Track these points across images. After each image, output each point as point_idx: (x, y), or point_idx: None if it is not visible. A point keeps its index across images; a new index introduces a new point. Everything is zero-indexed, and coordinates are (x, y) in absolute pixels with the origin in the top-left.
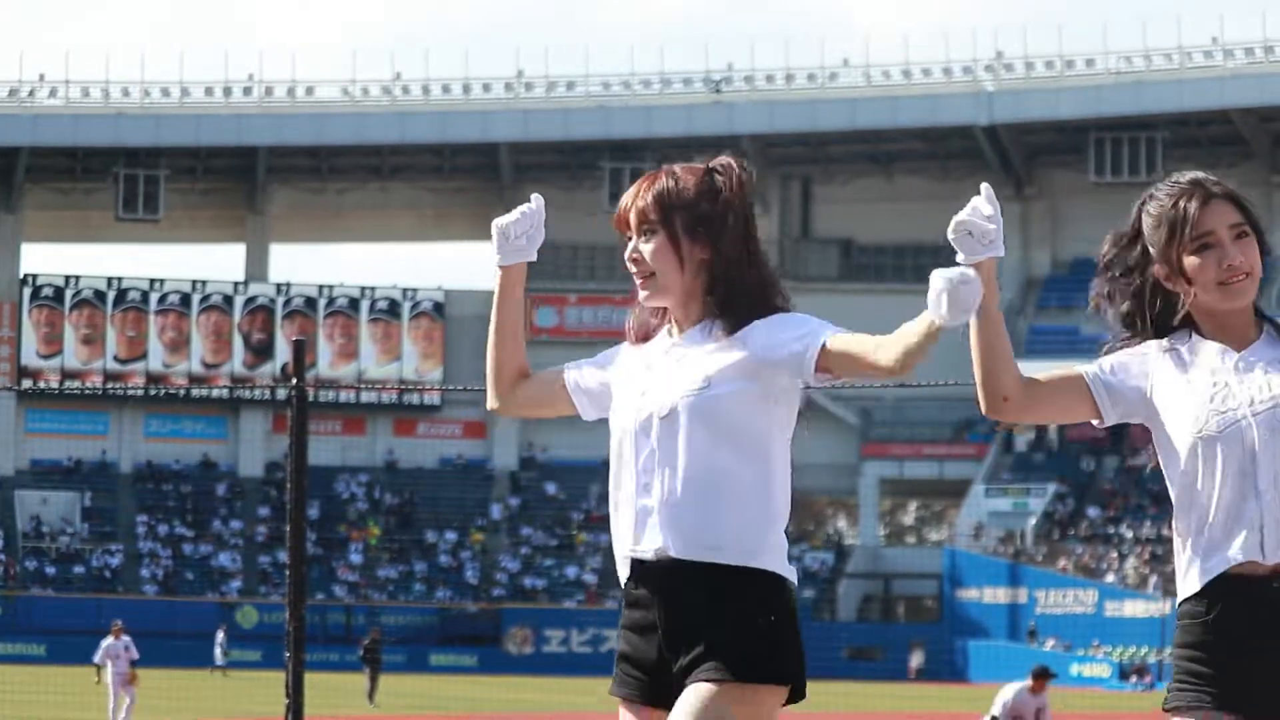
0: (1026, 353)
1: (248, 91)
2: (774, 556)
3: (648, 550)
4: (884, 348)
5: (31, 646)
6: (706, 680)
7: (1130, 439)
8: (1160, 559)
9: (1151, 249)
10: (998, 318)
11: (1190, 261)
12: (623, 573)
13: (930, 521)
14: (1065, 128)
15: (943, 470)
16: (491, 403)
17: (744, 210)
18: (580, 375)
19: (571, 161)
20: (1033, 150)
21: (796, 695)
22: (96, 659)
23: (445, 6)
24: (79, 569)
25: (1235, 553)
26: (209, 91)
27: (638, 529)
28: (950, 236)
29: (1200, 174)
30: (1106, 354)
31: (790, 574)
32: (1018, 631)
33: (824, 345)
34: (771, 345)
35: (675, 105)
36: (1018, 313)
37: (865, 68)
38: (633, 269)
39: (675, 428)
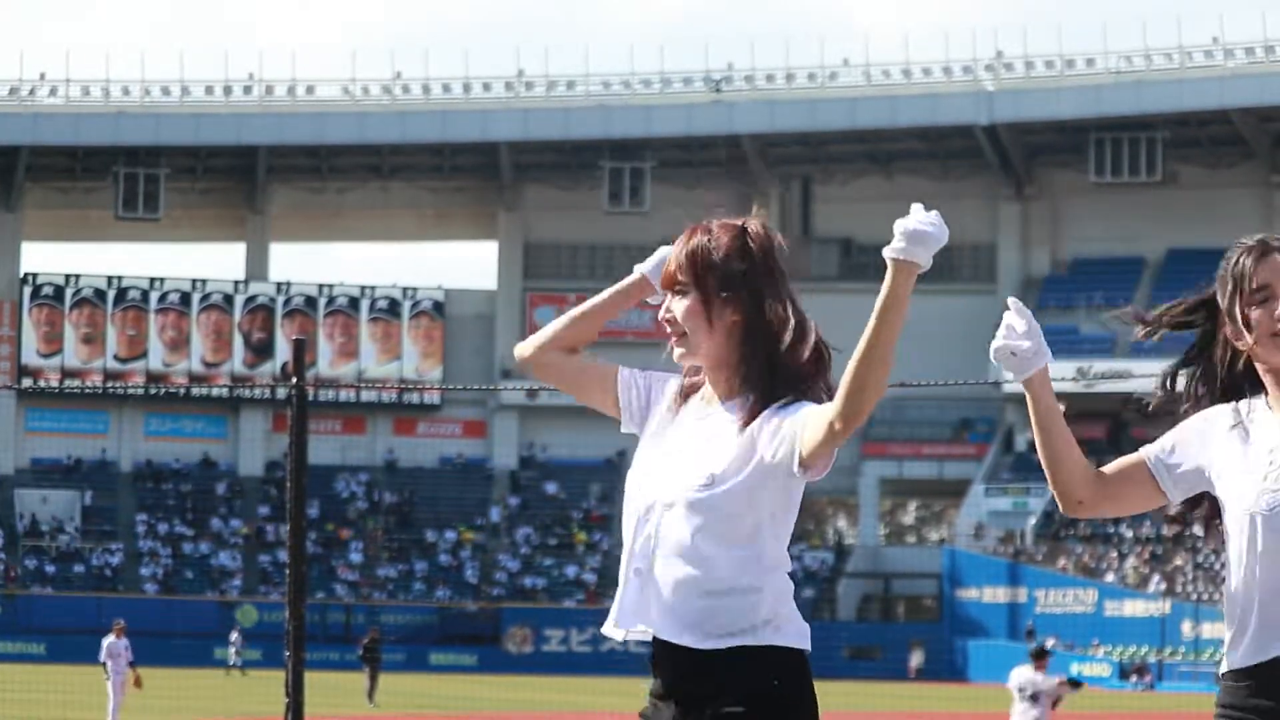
0: None
1: (248, 91)
2: (777, 630)
3: (637, 632)
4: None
5: (31, 645)
6: None
7: (1131, 439)
8: (1160, 559)
9: (1222, 308)
10: (1061, 424)
11: (1253, 315)
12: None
13: (930, 521)
14: (1065, 127)
15: (942, 470)
16: (522, 350)
17: (777, 273)
18: (633, 390)
19: (571, 161)
20: (1033, 150)
21: None
22: (101, 657)
23: (445, 6)
24: (79, 568)
25: None
26: (209, 91)
27: (624, 607)
28: (995, 362)
29: (1266, 235)
30: (1174, 426)
31: (800, 640)
32: (1018, 631)
33: (800, 453)
34: (772, 448)
35: (675, 105)
36: None
37: (865, 67)
38: (667, 329)
39: (675, 519)
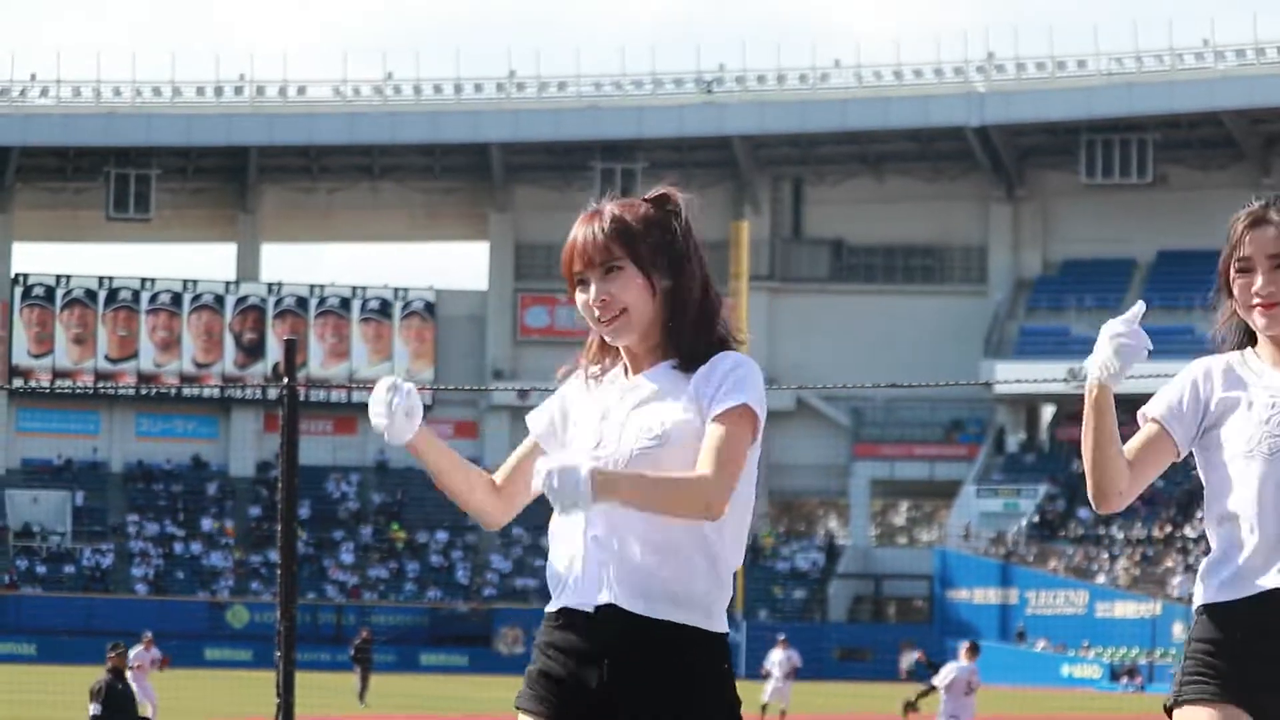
0: (1016, 354)
1: (239, 91)
2: (721, 615)
3: (591, 604)
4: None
5: (22, 646)
6: None
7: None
8: (1151, 560)
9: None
10: (1115, 423)
11: (1234, 281)
12: (553, 605)
13: (921, 522)
14: (1056, 129)
15: (933, 471)
16: (491, 523)
17: (697, 238)
18: (540, 427)
19: (562, 162)
20: (1024, 151)
21: None
22: (131, 663)
23: (436, 7)
24: (69, 568)
25: (1272, 579)
26: (200, 91)
27: (584, 580)
28: (1112, 343)
29: (1270, 199)
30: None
31: (726, 626)
32: (1009, 632)
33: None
34: (703, 397)
35: (666, 106)
36: (1008, 314)
37: (856, 68)
38: (599, 312)
39: None
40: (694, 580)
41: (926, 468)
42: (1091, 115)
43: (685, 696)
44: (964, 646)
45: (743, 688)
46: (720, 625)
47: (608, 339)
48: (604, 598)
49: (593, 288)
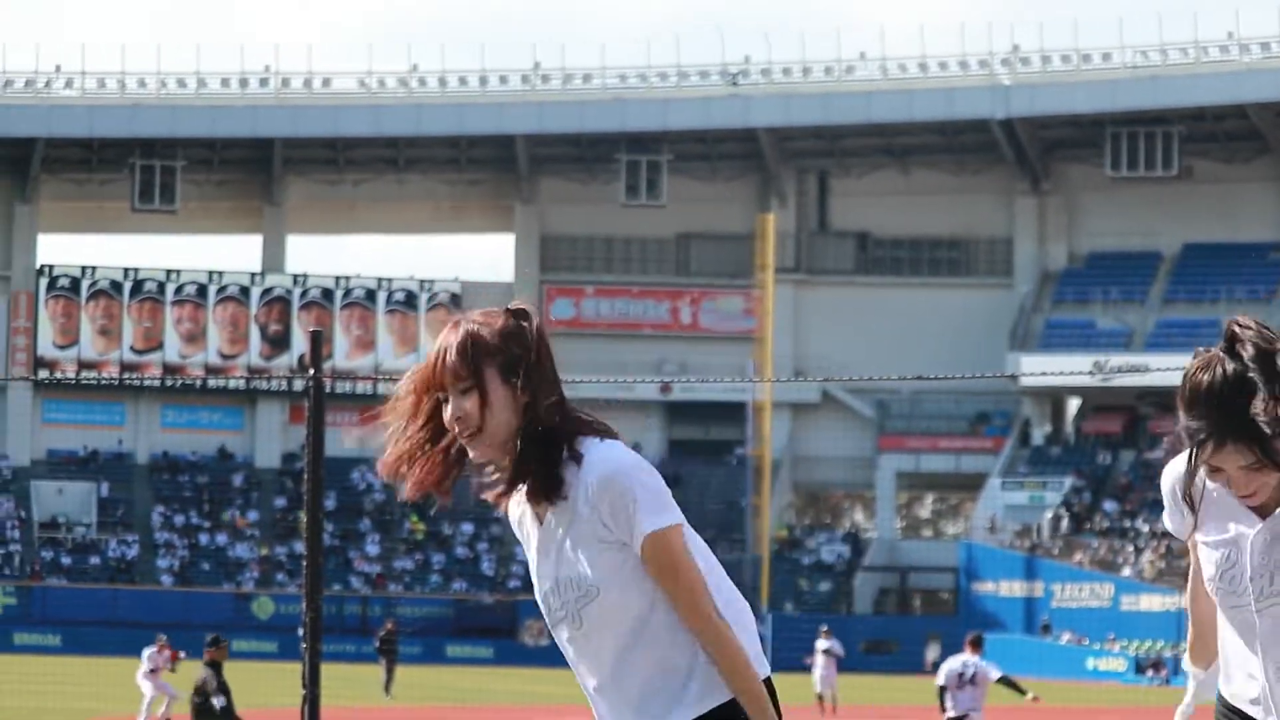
0: (1042, 346)
1: (264, 83)
2: (713, 685)
3: None
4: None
5: (47, 637)
6: None
7: (1147, 432)
8: (1176, 554)
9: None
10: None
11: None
12: None
13: (947, 514)
14: (1081, 122)
15: (959, 463)
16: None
17: (549, 351)
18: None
19: (587, 154)
20: (1049, 144)
21: None
22: (145, 662)
23: None
24: (95, 559)
25: (1247, 702)
26: (225, 83)
27: None
28: None
29: (1215, 410)
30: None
31: (761, 669)
32: (1034, 625)
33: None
34: (620, 529)
35: (691, 98)
36: (1034, 307)
37: (882, 61)
38: (458, 429)
39: (593, 637)
40: (687, 676)
41: (952, 460)
42: (1116, 108)
43: None
44: (967, 639)
45: (778, 679)
46: (721, 695)
47: (472, 456)
48: None
49: (451, 404)
